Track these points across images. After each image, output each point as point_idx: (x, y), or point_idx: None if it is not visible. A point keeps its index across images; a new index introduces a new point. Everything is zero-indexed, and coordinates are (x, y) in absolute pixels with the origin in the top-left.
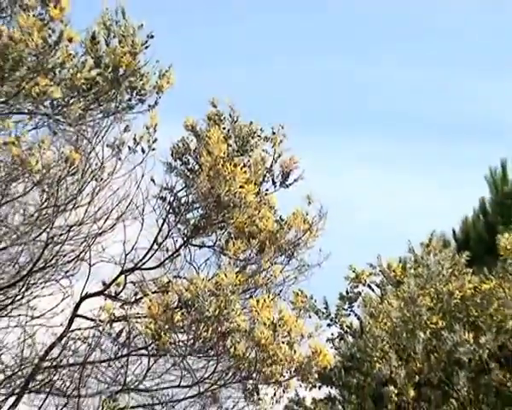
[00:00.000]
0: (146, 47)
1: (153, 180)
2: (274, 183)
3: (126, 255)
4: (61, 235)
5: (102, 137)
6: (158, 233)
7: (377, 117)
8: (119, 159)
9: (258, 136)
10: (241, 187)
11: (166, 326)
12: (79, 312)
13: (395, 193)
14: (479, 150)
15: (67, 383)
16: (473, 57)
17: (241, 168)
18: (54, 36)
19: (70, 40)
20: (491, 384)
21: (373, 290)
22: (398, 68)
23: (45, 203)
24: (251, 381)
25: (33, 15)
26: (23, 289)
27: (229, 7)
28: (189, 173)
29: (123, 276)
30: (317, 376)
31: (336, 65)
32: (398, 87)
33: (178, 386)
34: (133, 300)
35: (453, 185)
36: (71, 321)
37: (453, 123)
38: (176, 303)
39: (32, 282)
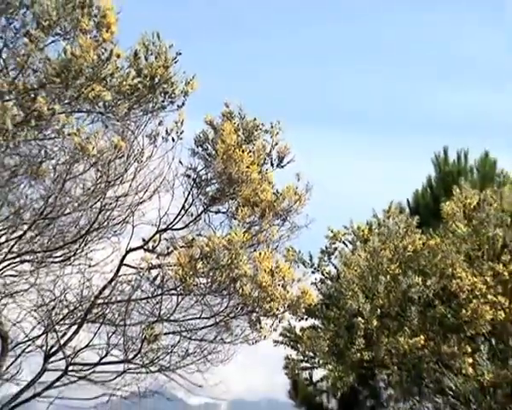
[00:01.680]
0: (175, 61)
1: (180, 162)
2: (272, 164)
3: (161, 219)
4: (111, 204)
5: (142, 130)
6: (184, 202)
7: (352, 116)
8: (155, 146)
9: (260, 129)
10: (247, 167)
11: (191, 272)
12: (125, 261)
13: (366, 175)
14: (427, 140)
15: (116, 316)
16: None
17: (247, 153)
18: (105, 53)
19: (118, 56)
20: (435, 316)
21: (346, 246)
22: (371, 77)
23: (99, 179)
24: (254, 314)
25: (90, 37)
26: (82, 245)
27: (243, 25)
28: (207, 157)
29: (158, 234)
30: (304, 310)
31: (329, 73)
32: (366, 92)
33: (200, 318)
34: (166, 252)
35: (407, 167)
36: (118, 268)
37: (410, 121)
38: (198, 255)
39: (89, 239)
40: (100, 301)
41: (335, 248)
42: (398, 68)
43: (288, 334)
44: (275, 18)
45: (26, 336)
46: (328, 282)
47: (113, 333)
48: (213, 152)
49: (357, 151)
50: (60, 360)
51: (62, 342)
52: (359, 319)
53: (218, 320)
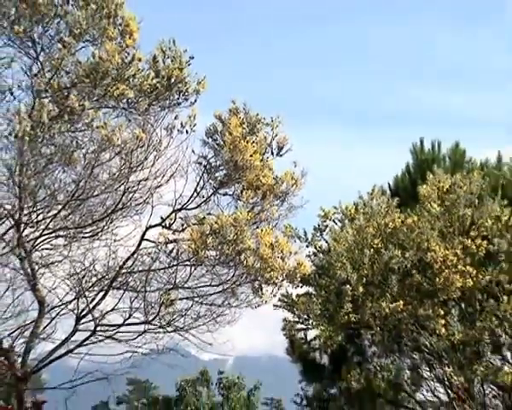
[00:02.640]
0: (189, 64)
1: (193, 151)
2: (272, 153)
3: (176, 200)
4: (133, 187)
5: (160, 123)
6: (196, 186)
7: (350, 114)
8: (171, 137)
9: (262, 122)
10: (250, 156)
11: (202, 246)
12: (145, 237)
13: (353, 162)
14: (407, 132)
15: (138, 283)
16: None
17: (251, 144)
18: (128, 57)
19: (139, 60)
20: (413, 284)
21: (336, 223)
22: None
23: (123, 166)
24: (257, 282)
25: (115, 43)
26: (109, 222)
27: (243, 33)
28: (216, 147)
29: (174, 213)
30: (299, 279)
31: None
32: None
33: (210, 285)
34: (180, 229)
35: (389, 155)
36: (140, 243)
37: (388, 116)
38: (208, 231)
39: (114, 217)
40: (124, 270)
41: (326, 226)
42: (390, 70)
43: (285, 299)
44: (274, 23)
45: (60, 301)
46: (320, 255)
47: (135, 298)
48: (221, 142)
49: (347, 143)
50: (89, 321)
51: (91, 306)
52: (347, 286)
53: (225, 287)
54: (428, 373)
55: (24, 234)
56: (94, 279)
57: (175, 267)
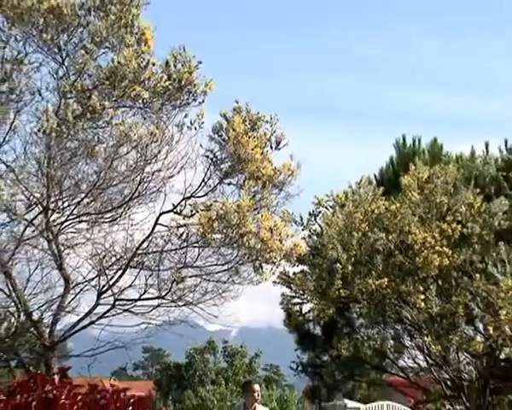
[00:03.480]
0: (197, 68)
1: (201, 146)
2: (271, 147)
3: (186, 189)
4: (148, 177)
5: (172, 121)
6: (204, 176)
7: (347, 114)
8: (182, 133)
9: (262, 120)
10: (252, 150)
11: (209, 230)
12: (159, 221)
13: (343, 156)
14: (391, 129)
15: (152, 263)
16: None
17: (252, 139)
18: (144, 62)
19: (153, 64)
20: (396, 263)
21: (328, 209)
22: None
23: (139, 159)
24: (258, 262)
25: (132, 50)
26: (126, 209)
27: (248, 34)
28: (222, 142)
29: (184, 201)
30: (295, 259)
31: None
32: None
33: (216, 264)
34: (190, 215)
35: (376, 149)
36: (154, 227)
37: (377, 114)
38: (215, 216)
39: (131, 205)
40: (140, 251)
41: (320, 212)
42: (379, 76)
43: (283, 277)
44: (267, 29)
45: (84, 278)
46: (314, 237)
47: (150, 276)
48: (226, 138)
49: (346, 141)
50: (109, 296)
51: (111, 283)
52: (338, 265)
53: (229, 266)
54: (409, 342)
55: (51, 219)
56: (113, 259)
57: (185, 249)
